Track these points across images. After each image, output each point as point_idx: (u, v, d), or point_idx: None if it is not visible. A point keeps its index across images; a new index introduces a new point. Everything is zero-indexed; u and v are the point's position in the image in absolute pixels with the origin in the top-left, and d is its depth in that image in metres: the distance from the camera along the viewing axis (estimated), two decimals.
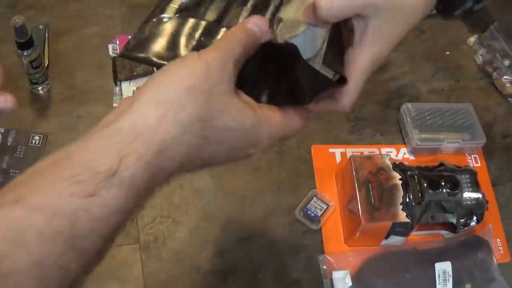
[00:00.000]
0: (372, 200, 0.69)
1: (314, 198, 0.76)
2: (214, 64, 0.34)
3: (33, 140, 0.77)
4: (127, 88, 0.82)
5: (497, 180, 0.83)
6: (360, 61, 0.39)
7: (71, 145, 0.32)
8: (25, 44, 0.75)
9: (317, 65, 0.37)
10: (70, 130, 0.79)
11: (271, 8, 0.44)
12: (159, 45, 0.44)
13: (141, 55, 0.44)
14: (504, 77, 0.91)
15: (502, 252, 0.76)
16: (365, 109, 0.87)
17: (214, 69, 0.34)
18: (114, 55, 0.86)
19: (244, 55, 0.37)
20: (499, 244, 0.77)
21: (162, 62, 0.44)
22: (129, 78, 0.83)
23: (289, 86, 0.39)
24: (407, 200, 0.70)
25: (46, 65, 0.83)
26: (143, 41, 0.44)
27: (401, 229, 0.70)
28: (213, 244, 0.72)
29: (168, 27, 0.45)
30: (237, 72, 0.36)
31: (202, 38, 0.44)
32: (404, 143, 0.84)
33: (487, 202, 0.73)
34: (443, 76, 0.93)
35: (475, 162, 0.84)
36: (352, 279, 0.69)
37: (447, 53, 0.97)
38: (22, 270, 0.27)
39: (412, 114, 0.83)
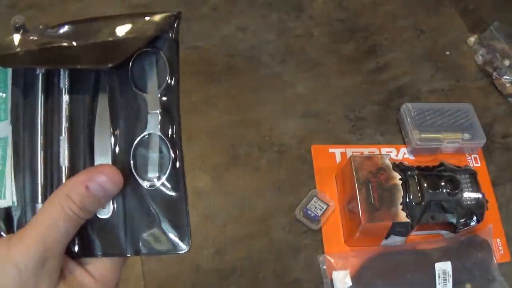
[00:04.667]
0: (372, 200, 0.69)
1: (314, 198, 0.76)
2: (29, 268, 0.27)
3: None
4: None
5: (497, 180, 0.83)
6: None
7: None
8: None
9: None
10: None
11: None
12: None
13: None
14: (504, 77, 0.91)
15: (502, 252, 0.77)
16: (365, 109, 0.87)
17: (28, 274, 0.27)
18: None
19: (73, 233, 0.30)
20: (499, 244, 0.77)
21: None
22: None
23: None
24: (407, 200, 0.70)
25: None
26: None
27: (401, 229, 0.70)
28: (213, 244, 0.72)
29: None
30: (62, 259, 0.30)
31: None
32: (404, 143, 0.84)
33: (487, 202, 0.73)
34: (443, 76, 0.93)
35: (475, 162, 0.84)
36: (352, 279, 0.69)
37: (447, 53, 0.97)
38: None
39: (412, 114, 0.83)
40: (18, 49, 0.33)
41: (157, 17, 0.33)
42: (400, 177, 0.71)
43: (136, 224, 0.33)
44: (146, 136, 0.34)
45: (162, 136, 0.33)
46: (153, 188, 0.33)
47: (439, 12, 1.02)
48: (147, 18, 0.33)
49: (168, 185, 0.33)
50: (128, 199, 0.33)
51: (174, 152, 0.33)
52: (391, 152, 0.83)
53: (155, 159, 0.34)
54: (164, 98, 0.34)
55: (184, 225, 0.34)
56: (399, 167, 0.73)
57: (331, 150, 0.82)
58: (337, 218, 0.76)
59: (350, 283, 0.69)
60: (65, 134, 0.34)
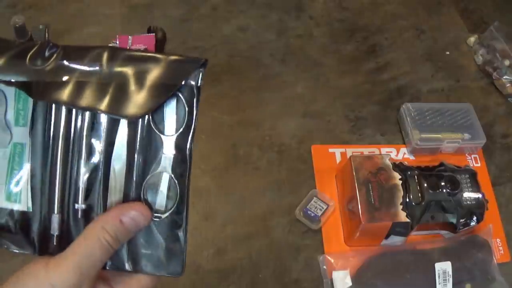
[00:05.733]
0: (372, 200, 0.69)
1: (314, 198, 0.76)
2: None
3: None
4: None
5: (497, 180, 0.83)
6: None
7: None
8: None
9: None
10: None
11: None
12: None
13: None
14: (504, 77, 0.91)
15: (502, 252, 0.77)
16: (365, 109, 0.87)
17: None
18: None
19: (106, 261, 0.33)
20: (499, 244, 0.77)
21: None
22: None
23: None
24: (407, 200, 0.70)
25: None
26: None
27: (401, 229, 0.70)
28: (213, 244, 0.72)
29: None
30: (95, 283, 0.33)
31: None
32: (404, 143, 0.84)
33: (487, 202, 0.73)
34: (443, 76, 0.93)
35: (475, 162, 0.84)
36: (352, 279, 0.69)
37: (447, 53, 0.97)
38: None
39: (412, 114, 0.83)
40: (43, 75, 0.34)
41: (184, 64, 0.35)
42: (400, 177, 0.71)
43: (138, 244, 0.36)
44: (158, 173, 0.37)
45: (173, 176, 0.37)
46: (159, 219, 0.36)
47: (439, 12, 1.03)
48: (174, 64, 0.35)
49: (172, 219, 0.37)
50: None
51: (182, 191, 0.38)
52: (391, 152, 0.83)
53: (163, 195, 0.37)
54: (180, 142, 0.37)
55: (181, 254, 0.37)
56: (399, 167, 0.73)
57: (331, 150, 0.82)
58: (337, 218, 0.76)
59: (350, 283, 0.69)
60: (85, 158, 0.36)
